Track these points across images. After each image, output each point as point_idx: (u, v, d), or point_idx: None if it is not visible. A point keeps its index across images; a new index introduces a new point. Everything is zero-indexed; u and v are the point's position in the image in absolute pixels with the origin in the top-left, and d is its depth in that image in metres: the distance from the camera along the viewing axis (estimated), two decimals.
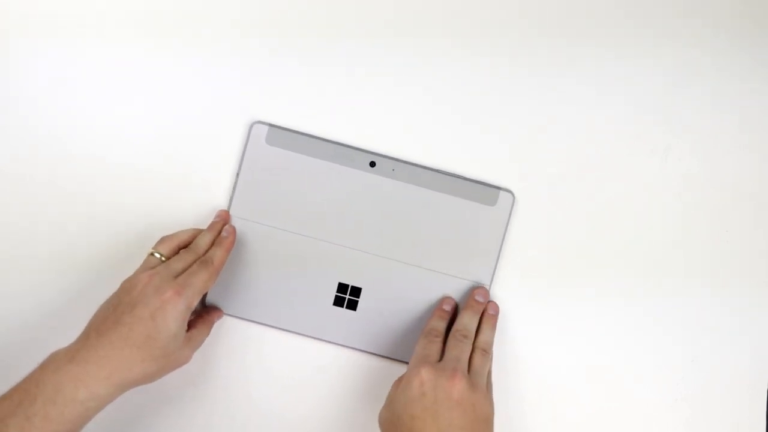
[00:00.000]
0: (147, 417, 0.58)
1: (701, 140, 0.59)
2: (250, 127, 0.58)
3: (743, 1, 0.59)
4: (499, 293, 0.58)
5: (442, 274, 0.58)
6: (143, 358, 0.48)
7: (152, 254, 0.53)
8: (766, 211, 0.59)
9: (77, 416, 0.46)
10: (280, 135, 0.58)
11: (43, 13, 0.58)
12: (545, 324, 0.59)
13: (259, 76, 0.58)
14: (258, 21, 0.59)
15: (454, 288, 0.58)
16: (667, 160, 0.59)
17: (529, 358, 0.58)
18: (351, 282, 0.58)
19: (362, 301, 0.58)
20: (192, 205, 0.58)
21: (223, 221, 0.57)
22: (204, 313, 0.56)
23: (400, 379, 0.52)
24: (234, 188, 0.58)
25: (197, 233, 0.56)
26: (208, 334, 0.55)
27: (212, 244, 0.55)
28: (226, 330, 0.58)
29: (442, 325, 0.55)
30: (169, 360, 0.50)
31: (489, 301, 0.57)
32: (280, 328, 0.58)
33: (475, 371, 0.51)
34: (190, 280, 0.51)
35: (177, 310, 0.49)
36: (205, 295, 0.58)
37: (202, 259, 0.53)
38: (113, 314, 0.49)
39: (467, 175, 0.58)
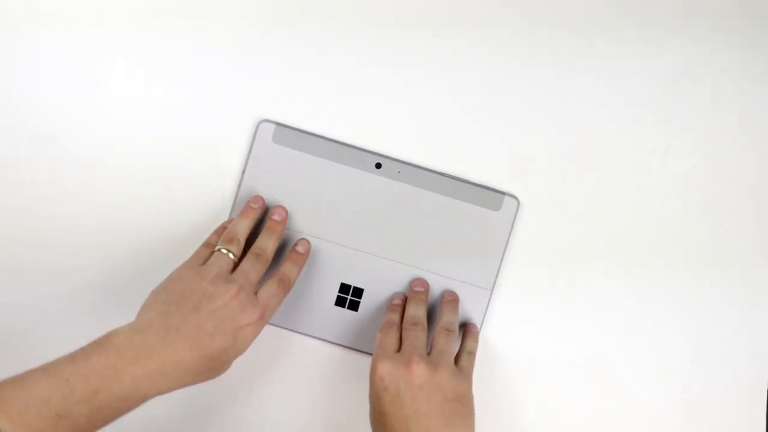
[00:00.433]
0: (147, 417, 0.58)
1: (701, 140, 0.59)
2: (257, 125, 0.57)
3: (743, 1, 0.59)
4: (501, 296, 0.58)
5: (444, 277, 0.58)
6: (209, 369, 0.48)
7: (224, 252, 0.51)
8: (766, 210, 0.59)
9: (127, 411, 0.46)
10: (287, 134, 0.57)
11: (44, 13, 0.58)
12: (545, 324, 0.59)
13: (267, 75, 0.58)
14: (266, 20, 0.58)
15: (455, 291, 0.58)
16: (667, 160, 0.59)
17: (530, 359, 0.59)
18: (353, 283, 0.58)
19: (364, 301, 0.58)
20: (196, 204, 0.58)
21: (283, 221, 0.56)
22: None
23: None
24: (239, 186, 0.58)
25: (253, 222, 0.54)
26: None
27: (275, 247, 0.54)
28: None
29: (395, 317, 0.55)
30: (217, 373, 0.49)
31: (444, 290, 0.57)
32: (281, 327, 0.58)
33: (439, 350, 0.51)
34: (272, 304, 0.51)
35: (257, 333, 0.50)
36: None
37: (282, 280, 0.52)
38: (194, 315, 0.47)
39: (469, 176, 0.58)
